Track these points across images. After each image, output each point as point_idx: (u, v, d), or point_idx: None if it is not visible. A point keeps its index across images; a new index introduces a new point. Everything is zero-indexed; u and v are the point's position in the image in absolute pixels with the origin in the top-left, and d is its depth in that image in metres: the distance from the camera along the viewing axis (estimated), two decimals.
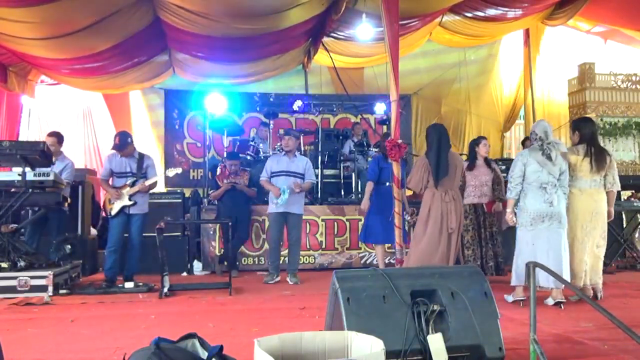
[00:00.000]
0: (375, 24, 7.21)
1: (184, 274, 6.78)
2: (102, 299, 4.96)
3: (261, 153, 7.82)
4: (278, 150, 7.35)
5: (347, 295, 2.47)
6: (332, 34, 8.47)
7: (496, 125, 11.00)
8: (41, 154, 5.05)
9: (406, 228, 6.49)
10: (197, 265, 6.99)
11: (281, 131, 8.14)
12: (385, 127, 8.45)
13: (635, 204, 7.20)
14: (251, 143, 8.05)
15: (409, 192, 8.47)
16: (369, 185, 5.87)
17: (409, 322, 2.43)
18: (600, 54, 10.22)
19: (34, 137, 8.88)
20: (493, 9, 8.34)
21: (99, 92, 9.36)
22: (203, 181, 8.21)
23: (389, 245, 6.25)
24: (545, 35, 10.32)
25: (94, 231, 7.52)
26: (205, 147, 8.36)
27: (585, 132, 4.70)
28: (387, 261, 6.51)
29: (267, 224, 6.67)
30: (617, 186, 4.71)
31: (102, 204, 7.92)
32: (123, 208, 5.57)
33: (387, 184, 5.71)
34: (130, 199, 5.55)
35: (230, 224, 5.77)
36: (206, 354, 2.05)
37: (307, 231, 7.11)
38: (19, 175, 5.10)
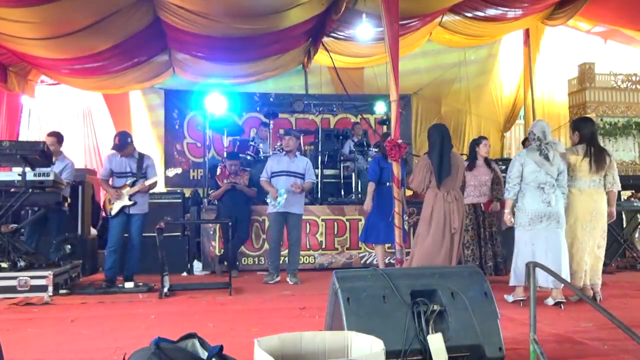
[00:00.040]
0: (375, 24, 7.21)
1: (184, 274, 6.78)
2: (102, 299, 4.96)
3: (261, 153, 7.82)
4: (278, 150, 7.35)
5: (347, 295, 2.48)
6: (332, 34, 8.47)
7: (496, 125, 11.01)
8: (41, 154, 5.05)
9: (406, 228, 6.49)
10: (197, 265, 6.99)
11: (281, 131, 8.15)
12: (385, 127, 8.45)
13: (635, 204, 7.20)
14: (251, 143, 8.05)
15: (408, 192, 8.49)
16: (371, 186, 5.86)
17: (409, 322, 2.43)
18: (600, 54, 10.23)
19: (34, 137, 8.88)
20: (493, 9, 8.34)
21: (99, 92, 9.36)
22: (203, 181, 8.21)
23: (389, 245, 6.25)
24: (545, 35, 10.32)
25: (94, 231, 7.52)
26: (205, 147, 8.37)
27: (585, 132, 4.70)
28: (387, 261, 6.51)
29: (267, 224, 6.68)
30: (617, 186, 4.71)
31: (102, 204, 7.92)
32: (123, 208, 5.57)
33: (388, 184, 5.70)
34: (130, 199, 5.55)
35: (230, 224, 5.77)
36: (206, 354, 2.04)
37: (307, 231, 7.11)
38: (19, 175, 5.10)
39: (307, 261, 7.10)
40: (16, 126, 8.50)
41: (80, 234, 6.63)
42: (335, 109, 9.56)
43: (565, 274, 4.32)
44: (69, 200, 6.04)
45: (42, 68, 7.90)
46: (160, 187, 7.95)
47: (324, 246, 7.19)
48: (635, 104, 9.56)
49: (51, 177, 5.20)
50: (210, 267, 6.92)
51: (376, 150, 7.34)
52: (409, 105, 10.44)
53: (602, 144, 4.95)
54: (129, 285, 5.43)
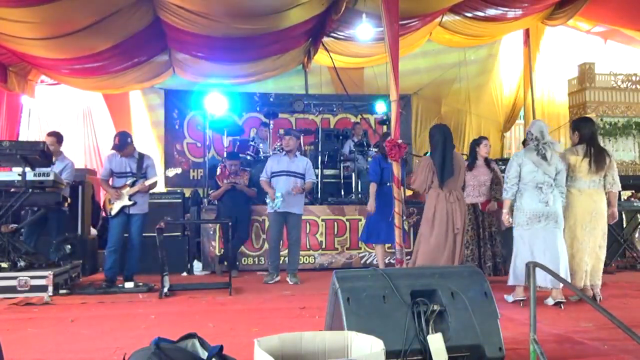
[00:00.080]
0: (375, 24, 7.21)
1: (184, 274, 6.78)
2: (102, 299, 4.96)
3: (261, 153, 7.82)
4: (278, 150, 7.35)
5: (347, 295, 2.48)
6: (332, 34, 8.47)
7: (496, 125, 11.01)
8: (41, 154, 5.05)
9: (406, 228, 6.49)
10: (197, 265, 6.99)
11: (281, 131, 8.15)
12: (385, 127, 8.45)
13: (635, 204, 7.20)
14: (251, 143, 8.05)
15: (408, 192, 8.49)
16: (373, 187, 5.84)
17: (409, 322, 2.43)
18: (600, 54, 10.23)
19: (34, 137, 8.88)
20: (493, 9, 8.34)
21: (99, 92, 9.36)
22: (203, 181, 8.21)
23: (389, 245, 6.25)
24: (545, 35, 10.33)
25: (94, 231, 7.52)
26: (205, 147, 8.37)
27: (585, 132, 4.70)
28: (387, 261, 6.51)
29: (267, 224, 6.68)
30: (617, 186, 4.71)
31: (102, 204, 7.92)
32: (123, 208, 5.57)
33: (388, 184, 5.70)
34: (130, 199, 5.55)
35: (230, 224, 5.78)
36: (206, 354, 2.05)
37: (307, 231, 7.11)
38: (19, 175, 5.10)
39: (307, 261, 7.10)
40: (16, 126, 8.50)
41: (80, 234, 6.62)
42: (335, 109, 9.56)
43: (565, 274, 4.32)
44: (69, 200, 6.04)
45: (42, 68, 7.90)
46: (160, 187, 7.95)
47: (324, 246, 7.19)
48: (635, 104, 9.56)
49: (51, 177, 5.20)
50: (210, 267, 6.92)
51: (376, 150, 7.35)
52: (409, 105, 10.44)
53: (602, 144, 4.95)
54: (129, 285, 5.43)
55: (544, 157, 4.46)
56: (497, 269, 5.65)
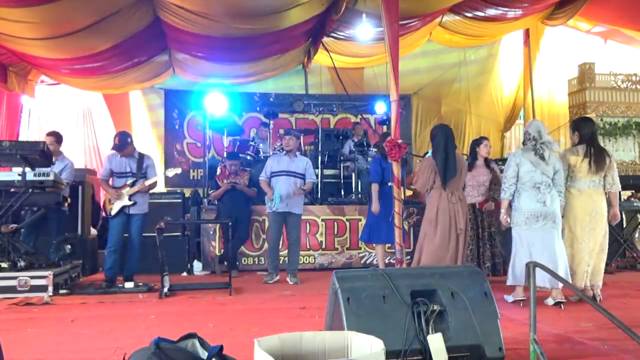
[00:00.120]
0: (375, 24, 7.20)
1: (184, 274, 6.78)
2: (102, 299, 4.96)
3: (261, 153, 7.82)
4: (278, 150, 7.35)
5: (347, 295, 2.48)
6: (332, 34, 8.47)
7: (496, 125, 11.01)
8: (41, 154, 5.05)
9: (405, 228, 6.49)
10: (197, 265, 6.99)
11: (281, 131, 8.15)
12: (385, 127, 8.45)
13: (635, 204, 7.20)
14: (251, 143, 8.05)
15: (408, 192, 8.49)
16: (375, 187, 5.83)
17: (409, 322, 2.43)
18: (600, 54, 10.22)
19: (34, 137, 8.88)
20: (493, 9, 8.34)
21: (99, 92, 9.36)
22: (203, 181, 8.22)
23: (389, 245, 6.25)
24: (545, 35, 10.32)
25: (94, 231, 7.52)
26: (205, 147, 8.36)
27: (585, 132, 4.70)
28: (387, 261, 6.51)
29: (267, 224, 6.67)
30: (617, 187, 4.71)
31: (102, 204, 7.92)
32: (123, 208, 5.57)
33: (389, 184, 5.71)
34: (130, 199, 5.55)
35: (230, 224, 5.78)
36: (206, 354, 2.05)
37: (307, 231, 7.11)
38: (19, 175, 5.11)
39: (307, 261, 7.10)
40: (16, 126, 8.50)
41: (80, 234, 6.63)
42: (335, 109, 9.56)
43: (565, 274, 4.32)
44: (69, 200, 6.04)
45: (42, 68, 7.90)
46: (160, 187, 7.95)
47: (324, 246, 7.19)
48: (635, 104, 9.55)
49: (51, 177, 5.20)
50: (210, 267, 6.92)
51: (376, 150, 7.35)
52: (409, 105, 10.45)
53: (602, 144, 4.95)
54: (129, 285, 5.44)
55: (542, 157, 4.47)
56: (496, 269, 5.65)
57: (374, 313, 2.44)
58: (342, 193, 8.17)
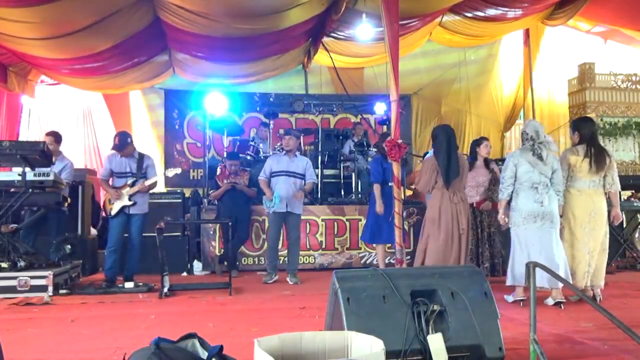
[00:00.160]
0: (375, 24, 7.21)
1: (184, 274, 6.78)
2: (102, 299, 4.96)
3: (261, 153, 7.82)
4: (278, 150, 7.35)
5: (347, 295, 2.48)
6: (332, 34, 8.47)
7: (496, 125, 11.01)
8: (41, 154, 5.05)
9: (406, 228, 6.49)
10: (197, 265, 6.99)
11: (281, 131, 8.14)
12: (385, 127, 8.45)
13: (635, 204, 7.20)
14: (251, 143, 8.05)
15: (408, 192, 8.49)
16: (377, 188, 5.81)
17: (409, 322, 2.43)
18: (600, 54, 10.22)
19: (34, 137, 8.88)
20: (493, 9, 8.34)
21: (99, 92, 9.36)
22: (203, 181, 8.22)
23: (389, 245, 6.25)
24: (545, 35, 10.32)
25: (94, 231, 7.52)
26: (205, 147, 8.36)
27: (585, 132, 4.69)
28: (387, 261, 6.51)
29: (267, 224, 6.67)
30: (617, 187, 4.71)
31: (102, 204, 7.92)
32: (123, 208, 5.57)
33: (390, 184, 5.71)
34: (130, 199, 5.55)
35: (230, 224, 5.78)
36: (206, 354, 2.05)
37: (307, 231, 7.11)
38: (19, 175, 5.10)
39: (307, 261, 7.10)
40: (16, 126, 8.50)
41: (80, 234, 6.63)
42: (335, 109, 9.56)
43: (564, 274, 4.32)
44: (69, 200, 6.04)
45: (42, 68, 7.90)
46: (160, 187, 7.95)
47: (324, 246, 7.19)
48: (635, 104, 9.55)
49: (51, 177, 5.20)
50: (210, 267, 6.92)
51: (376, 150, 7.35)
52: (409, 105, 10.45)
53: (602, 144, 4.94)
54: (129, 285, 5.43)
55: (540, 157, 4.47)
56: (495, 269, 5.66)
57: (374, 313, 2.44)
58: (342, 193, 8.17)
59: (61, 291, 5.14)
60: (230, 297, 5.01)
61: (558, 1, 8.56)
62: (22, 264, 5.10)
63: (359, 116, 9.86)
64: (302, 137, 8.04)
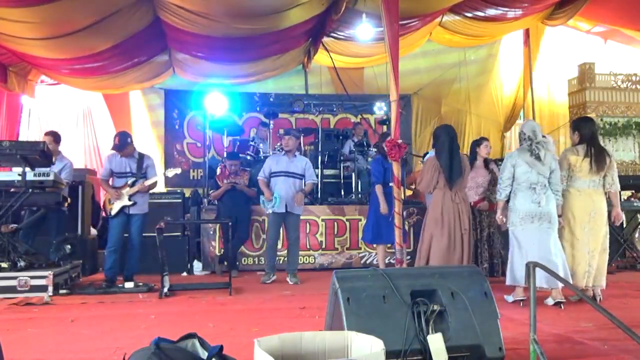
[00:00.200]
0: (375, 24, 7.21)
1: (184, 274, 6.78)
2: (102, 299, 4.96)
3: (261, 153, 7.82)
4: (278, 150, 7.35)
5: (347, 295, 2.48)
6: (332, 34, 8.47)
7: (496, 125, 11.01)
8: (41, 154, 5.05)
9: (406, 228, 6.49)
10: (197, 265, 6.99)
11: (281, 131, 8.14)
12: (385, 127, 8.45)
13: (635, 204, 7.20)
14: (251, 143, 8.05)
15: (408, 192, 8.49)
16: (379, 188, 5.80)
17: (409, 322, 2.43)
18: (600, 54, 10.22)
19: (34, 137, 8.88)
20: (493, 9, 8.34)
21: (99, 92, 9.36)
22: (203, 181, 8.22)
23: (389, 245, 6.25)
24: (545, 35, 10.32)
25: (94, 231, 7.52)
26: (205, 147, 8.36)
27: (585, 132, 4.69)
28: (387, 261, 6.51)
29: (267, 224, 6.67)
30: (617, 187, 4.70)
31: (102, 204, 7.92)
32: (123, 208, 5.57)
33: (390, 184, 5.70)
34: (130, 199, 5.55)
35: (230, 224, 5.78)
36: (206, 354, 2.05)
37: (307, 231, 7.11)
38: (19, 175, 5.10)
39: (307, 261, 7.10)
40: (16, 126, 8.50)
41: (80, 234, 6.62)
42: (335, 109, 9.55)
43: (563, 274, 4.31)
44: (68, 200, 6.04)
45: (42, 68, 7.90)
46: (160, 187, 7.95)
47: (324, 246, 7.19)
48: (635, 104, 9.55)
49: (51, 177, 5.20)
50: (210, 267, 6.92)
51: (376, 150, 7.35)
52: (409, 105, 10.44)
53: (602, 144, 4.94)
54: (129, 285, 5.43)
55: (538, 157, 4.47)
56: (494, 270, 5.66)
57: (374, 313, 2.44)
58: (342, 193, 8.17)
59: (61, 291, 5.14)
60: (230, 297, 5.01)
61: (558, 1, 8.56)
62: (22, 264, 5.10)
63: (359, 116, 9.86)
64: (302, 137, 8.04)
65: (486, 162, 5.90)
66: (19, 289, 4.92)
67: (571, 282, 4.42)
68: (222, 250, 6.87)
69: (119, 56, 7.53)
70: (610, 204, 4.72)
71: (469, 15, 8.48)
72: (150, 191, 5.89)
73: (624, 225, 7.29)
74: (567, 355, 3.02)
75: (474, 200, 5.71)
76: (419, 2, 7.14)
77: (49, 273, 4.99)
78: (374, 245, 6.49)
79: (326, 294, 2.72)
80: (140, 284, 5.45)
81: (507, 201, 4.64)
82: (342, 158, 8.32)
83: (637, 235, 7.76)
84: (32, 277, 4.96)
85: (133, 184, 5.61)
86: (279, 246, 6.77)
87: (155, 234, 5.15)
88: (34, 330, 3.71)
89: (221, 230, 6.86)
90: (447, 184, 4.76)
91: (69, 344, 3.34)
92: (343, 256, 7.22)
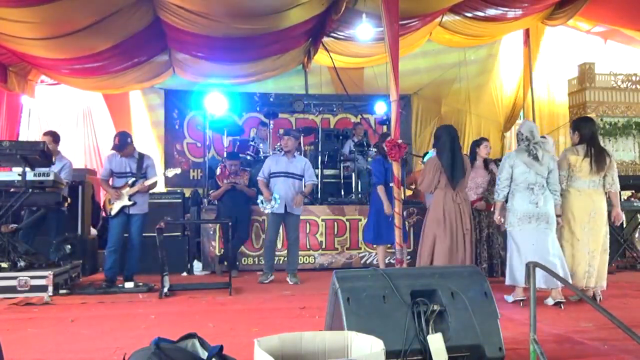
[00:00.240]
0: (375, 24, 7.21)
1: (184, 274, 6.78)
2: (102, 299, 4.96)
3: (261, 153, 7.82)
4: (278, 150, 7.35)
5: (347, 295, 2.47)
6: (332, 34, 8.47)
7: (496, 125, 11.01)
8: (41, 154, 5.05)
9: (406, 228, 6.49)
10: (197, 265, 6.99)
11: (281, 131, 8.15)
12: (385, 127, 8.45)
13: (635, 204, 7.20)
14: (251, 143, 8.05)
15: (408, 192, 8.49)
16: (381, 189, 5.79)
17: (409, 322, 2.43)
18: (600, 54, 10.22)
19: (34, 137, 8.87)
20: (493, 9, 8.34)
21: (99, 92, 9.36)
22: (203, 181, 8.22)
23: (389, 245, 6.25)
24: (545, 35, 10.31)
25: (94, 231, 7.52)
26: (205, 147, 8.36)
27: (585, 132, 4.69)
28: (387, 261, 6.50)
29: (267, 224, 6.67)
30: (617, 187, 4.70)
31: (102, 204, 7.92)
32: (123, 208, 5.57)
33: (391, 184, 5.70)
34: (130, 199, 5.55)
35: (230, 224, 5.78)
36: (206, 354, 2.05)
37: (307, 231, 7.11)
38: (19, 175, 5.10)
39: (307, 261, 7.10)
40: (16, 126, 8.50)
41: (80, 234, 6.62)
42: (335, 109, 9.56)
43: (561, 274, 4.31)
44: (68, 200, 6.04)
45: (42, 68, 7.90)
46: (160, 187, 7.95)
47: (324, 246, 7.19)
48: (635, 104, 9.55)
49: (51, 177, 5.20)
50: (210, 267, 6.92)
51: (376, 150, 7.35)
52: (409, 105, 10.45)
53: (602, 144, 4.94)
54: (129, 285, 5.43)
55: (536, 158, 4.47)
56: (494, 270, 5.66)
57: (374, 313, 2.44)
58: (342, 193, 8.17)
59: (61, 291, 5.14)
60: (230, 297, 5.01)
61: (558, 1, 8.56)
62: (22, 264, 5.10)
63: (359, 116, 9.86)
64: (302, 137, 8.04)
65: (486, 162, 5.90)
66: (19, 289, 4.92)
67: (570, 282, 4.42)
68: (222, 250, 6.87)
69: (119, 56, 7.53)
70: (610, 204, 4.72)
71: (469, 15, 8.48)
72: (150, 191, 5.89)
73: (624, 225, 7.29)
74: (567, 355, 3.02)
75: (471, 200, 5.71)
76: (419, 2, 7.14)
77: (49, 273, 4.99)
78: (374, 245, 6.49)
79: (326, 294, 2.72)
80: (140, 284, 5.45)
81: (506, 201, 4.64)
82: (342, 158, 8.32)
83: (637, 235, 7.75)
84: (32, 277, 4.96)
85: (133, 184, 5.61)
86: (279, 246, 6.78)
87: (155, 234, 5.15)
88: (34, 330, 3.71)
89: (221, 230, 6.86)
90: (449, 184, 4.76)
91: (69, 344, 3.34)
92: (343, 256, 7.22)
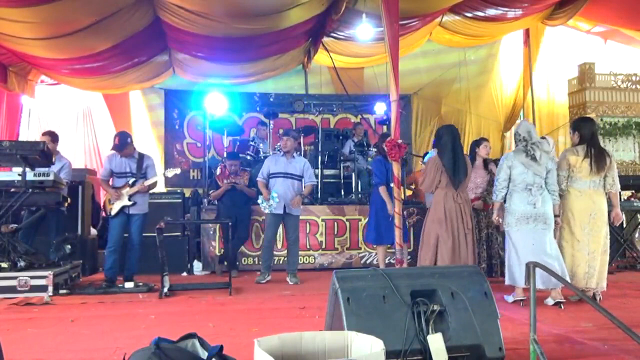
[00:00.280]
0: (375, 24, 7.21)
1: (184, 274, 6.78)
2: (102, 299, 4.96)
3: (261, 153, 7.82)
4: (277, 150, 7.35)
5: (347, 295, 2.47)
6: (332, 34, 8.47)
7: (496, 125, 11.01)
8: (41, 154, 5.05)
9: (407, 228, 6.49)
10: (197, 265, 6.99)
11: (281, 131, 8.15)
12: (385, 127, 8.45)
13: (635, 204, 7.20)
14: (251, 143, 8.05)
15: (408, 192, 8.49)
16: (383, 189, 5.78)
17: (409, 322, 2.43)
18: (600, 54, 10.22)
19: (34, 137, 8.87)
20: (493, 9, 8.34)
21: (99, 92, 9.36)
22: (203, 181, 8.22)
23: (390, 245, 6.25)
24: (545, 35, 10.32)
25: (94, 231, 7.52)
26: (205, 147, 8.36)
27: (585, 132, 4.68)
28: (387, 261, 6.50)
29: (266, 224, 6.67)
30: (617, 187, 4.69)
31: (102, 204, 7.92)
32: (123, 208, 5.57)
33: (391, 184, 5.70)
34: (130, 199, 5.55)
35: (230, 224, 5.78)
36: (206, 354, 2.05)
37: (307, 231, 7.11)
38: (19, 175, 5.11)
39: (307, 261, 7.10)
40: (16, 126, 8.50)
41: (80, 234, 6.62)
42: (335, 109, 9.56)
43: (561, 274, 4.30)
44: (68, 200, 6.04)
45: (42, 68, 7.90)
46: (160, 187, 7.95)
47: (324, 246, 7.19)
48: (635, 104, 9.55)
49: (51, 177, 5.20)
50: (210, 267, 6.92)
51: (376, 150, 7.35)
52: (409, 105, 10.45)
53: (602, 144, 4.93)
54: (129, 285, 5.43)
55: (534, 158, 4.47)
56: (493, 270, 5.65)
57: (374, 313, 2.44)
58: (342, 193, 8.17)
59: (61, 291, 5.14)
60: (230, 297, 5.01)
61: (558, 1, 8.56)
62: (22, 264, 5.09)
63: (359, 116, 9.86)
64: (301, 137, 8.04)
65: (485, 162, 5.90)
66: (19, 289, 4.92)
67: (571, 282, 4.41)
68: (222, 250, 6.87)
69: (119, 56, 7.54)
70: (610, 204, 4.71)
71: (469, 15, 8.48)
72: (150, 191, 5.89)
73: (624, 226, 7.29)
74: (567, 355, 3.02)
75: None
76: (419, 2, 7.14)
77: (49, 273, 4.99)
78: (374, 246, 6.48)
79: (326, 294, 2.72)
80: (140, 284, 5.45)
81: (504, 202, 4.64)
82: (342, 158, 8.32)
83: (637, 235, 7.75)
84: (32, 277, 4.96)
85: (133, 184, 5.61)
86: (279, 246, 6.79)
87: (155, 234, 5.15)
88: (34, 330, 3.71)
89: (221, 230, 6.86)
90: (451, 184, 4.75)
91: (69, 344, 3.34)
92: (343, 256, 7.22)
